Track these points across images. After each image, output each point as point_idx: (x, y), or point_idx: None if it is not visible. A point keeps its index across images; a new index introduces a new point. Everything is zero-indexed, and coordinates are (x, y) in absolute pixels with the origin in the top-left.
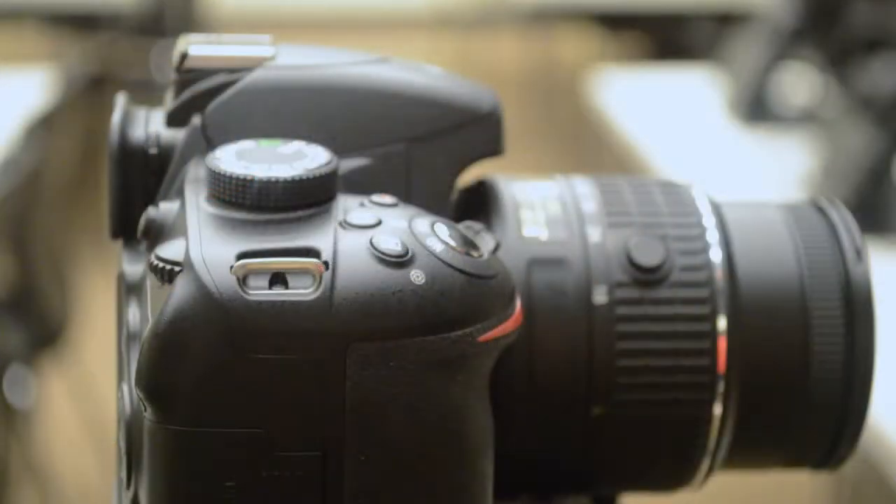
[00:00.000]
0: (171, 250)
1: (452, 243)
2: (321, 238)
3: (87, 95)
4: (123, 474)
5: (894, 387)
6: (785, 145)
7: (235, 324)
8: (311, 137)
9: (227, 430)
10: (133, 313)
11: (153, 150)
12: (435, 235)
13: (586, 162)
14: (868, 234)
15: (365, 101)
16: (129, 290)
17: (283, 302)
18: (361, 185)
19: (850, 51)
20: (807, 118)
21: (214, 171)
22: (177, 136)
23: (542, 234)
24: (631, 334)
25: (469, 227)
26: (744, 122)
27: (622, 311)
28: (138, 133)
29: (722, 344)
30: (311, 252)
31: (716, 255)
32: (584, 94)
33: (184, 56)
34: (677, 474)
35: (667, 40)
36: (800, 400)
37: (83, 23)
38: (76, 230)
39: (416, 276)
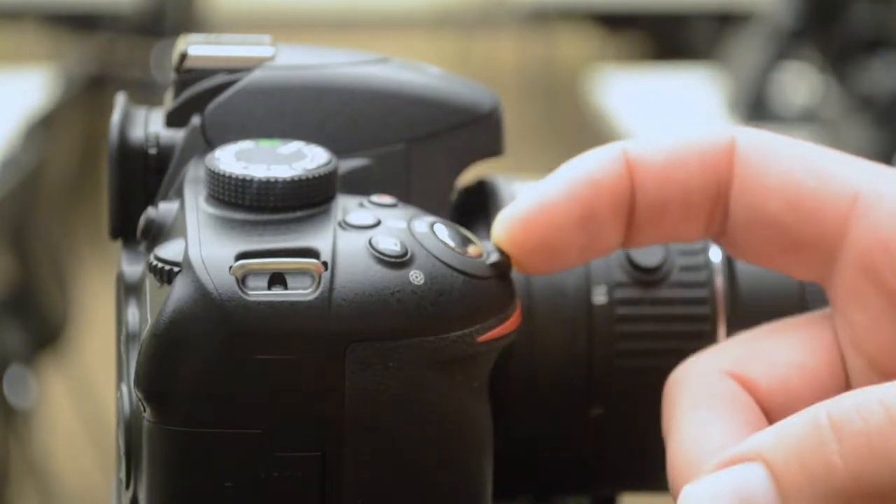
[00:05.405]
0: (170, 251)
1: (452, 244)
2: (320, 238)
3: (87, 95)
4: (123, 474)
5: None
6: None
7: (234, 324)
8: (310, 137)
9: (227, 431)
10: (132, 313)
11: (153, 150)
12: (434, 236)
13: None
14: None
15: (365, 101)
16: (128, 290)
17: (283, 302)
18: (361, 185)
19: (850, 51)
20: (807, 118)
21: (214, 172)
22: (176, 136)
23: None
24: (631, 335)
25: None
26: (744, 122)
27: (622, 311)
28: (138, 133)
29: None
30: (310, 252)
31: (715, 256)
32: (584, 94)
33: (184, 56)
34: None
35: (667, 40)
36: None
37: (83, 23)
38: (76, 230)
39: (416, 276)
